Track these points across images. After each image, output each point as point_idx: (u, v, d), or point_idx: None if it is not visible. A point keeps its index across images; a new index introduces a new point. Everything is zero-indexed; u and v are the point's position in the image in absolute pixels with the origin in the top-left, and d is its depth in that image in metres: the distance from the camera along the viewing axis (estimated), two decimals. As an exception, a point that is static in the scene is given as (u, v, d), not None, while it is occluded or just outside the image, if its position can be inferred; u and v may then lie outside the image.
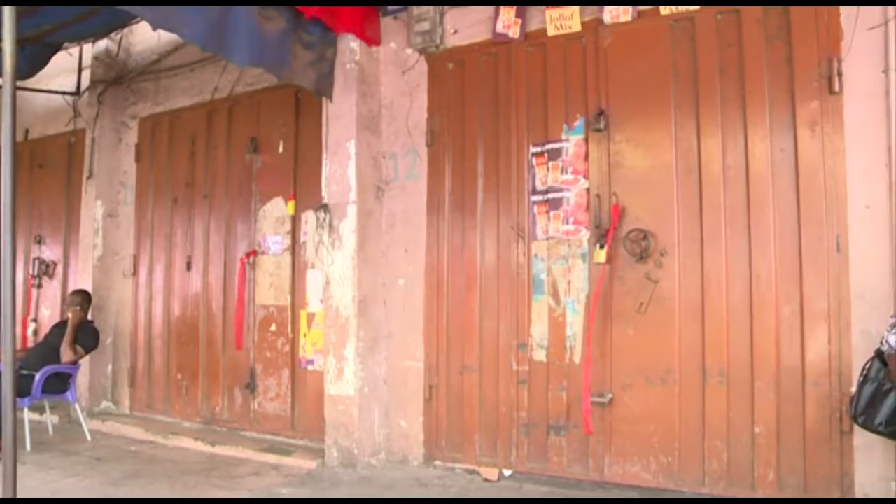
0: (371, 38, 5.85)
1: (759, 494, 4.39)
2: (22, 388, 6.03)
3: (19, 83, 3.56)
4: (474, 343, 5.41)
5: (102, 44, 7.88)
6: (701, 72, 4.71)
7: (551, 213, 5.14)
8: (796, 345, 4.35)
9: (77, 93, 8.15)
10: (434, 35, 5.68)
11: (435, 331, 5.58)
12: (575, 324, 5.02)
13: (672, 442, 4.65)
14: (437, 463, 5.51)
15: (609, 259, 4.84)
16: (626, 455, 4.79)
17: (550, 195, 5.16)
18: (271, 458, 5.96)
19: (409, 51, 5.84)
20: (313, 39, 5.58)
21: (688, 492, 4.58)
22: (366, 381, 5.58)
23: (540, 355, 5.14)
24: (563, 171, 5.11)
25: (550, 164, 5.17)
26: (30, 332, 8.51)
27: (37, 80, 7.51)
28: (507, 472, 5.19)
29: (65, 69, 7.92)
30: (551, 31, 5.20)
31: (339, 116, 5.73)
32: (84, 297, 7.06)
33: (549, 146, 5.19)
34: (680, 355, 4.65)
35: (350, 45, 5.76)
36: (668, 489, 4.65)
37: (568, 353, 5.03)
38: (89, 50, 7.96)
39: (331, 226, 5.67)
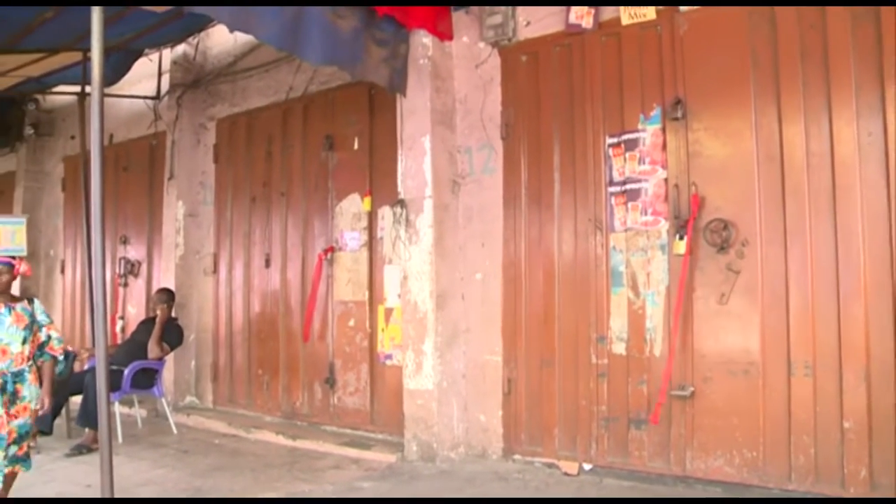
0: (443, 33, 5.93)
1: (851, 493, 4.27)
2: (112, 383, 6.31)
3: (104, 90, 3.78)
4: (553, 337, 5.46)
5: (180, 48, 8.20)
6: (781, 56, 4.63)
7: (629, 205, 5.14)
8: (888, 336, 4.24)
9: (157, 97, 8.51)
10: (506, 28, 5.73)
11: (513, 325, 5.65)
12: (655, 316, 5.02)
13: (756, 436, 4.60)
14: (517, 457, 5.57)
15: (689, 250, 4.82)
16: (709, 449, 4.76)
17: (628, 186, 5.16)
18: (351, 452, 6.11)
19: (481, 44, 5.91)
20: (386, 36, 5.69)
21: (774, 488, 4.52)
22: (444, 376, 5.68)
23: (619, 348, 5.15)
24: (641, 161, 5.11)
25: (627, 154, 5.17)
26: (118, 328, 8.90)
27: (120, 87, 7.88)
28: (587, 467, 5.22)
29: (145, 75, 8.26)
30: (625, 20, 5.18)
31: (414, 112, 5.85)
32: (169, 295, 7.38)
33: (625, 137, 5.19)
34: (763, 347, 4.61)
35: (422, 40, 5.86)
36: (753, 485, 4.60)
37: (648, 346, 5.03)
38: (168, 55, 8.31)
39: (407, 221, 5.79)
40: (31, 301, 4.64)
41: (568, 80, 5.50)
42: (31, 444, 6.31)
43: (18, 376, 4.41)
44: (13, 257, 4.78)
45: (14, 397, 4.38)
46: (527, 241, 5.63)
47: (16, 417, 4.38)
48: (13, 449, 4.38)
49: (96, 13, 3.70)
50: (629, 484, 4.98)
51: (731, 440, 4.68)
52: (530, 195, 5.63)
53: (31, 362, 4.49)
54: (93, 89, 3.75)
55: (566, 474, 5.24)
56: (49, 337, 4.62)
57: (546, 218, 5.55)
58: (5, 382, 4.35)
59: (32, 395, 4.47)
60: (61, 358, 4.72)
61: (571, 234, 5.42)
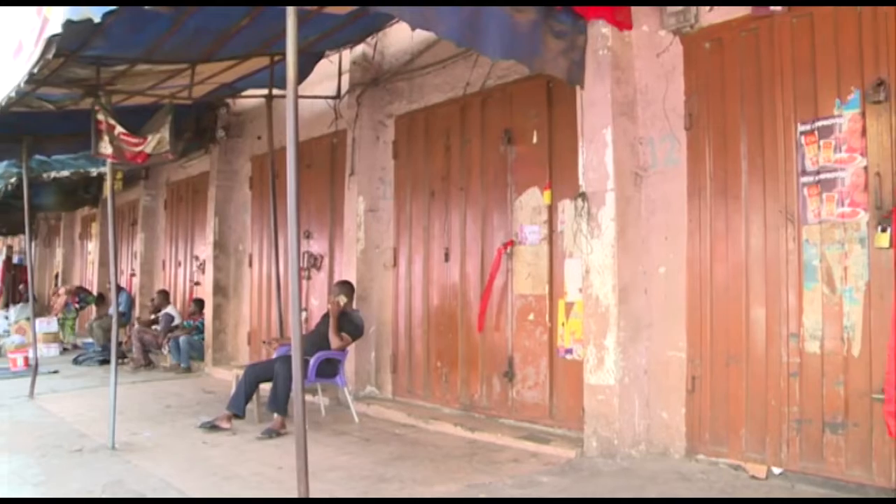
0: (622, 23, 5.92)
1: None
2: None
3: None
4: (740, 333, 5.37)
5: (359, 49, 8.60)
6: None
7: (824, 195, 4.97)
8: None
9: (338, 96, 8.98)
10: (688, 14, 5.68)
11: (698, 320, 5.59)
12: (853, 314, 4.82)
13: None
14: (700, 456, 5.51)
15: (894, 243, 4.59)
16: (921, 460, 4.50)
17: (822, 176, 4.99)
18: (530, 446, 6.22)
19: (662, 33, 5.88)
20: (564, 28, 5.77)
21: None
22: (626, 371, 5.71)
23: (813, 347, 4.99)
24: (837, 149, 4.92)
25: (821, 142, 4.99)
26: (301, 319, 9.43)
27: (302, 88, 8.30)
28: (776, 470, 5.08)
29: (326, 75, 8.74)
30: (820, -3, 4.98)
31: (594, 103, 5.89)
32: (344, 288, 7.77)
33: (819, 123, 5.01)
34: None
35: (601, 31, 5.88)
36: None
37: (845, 346, 4.84)
38: (347, 56, 8.75)
39: (589, 214, 5.84)
40: None
41: (755, 65, 5.37)
42: (226, 425, 6.89)
43: None
44: None
45: None
46: (712, 233, 5.56)
47: None
48: None
49: (291, 14, 4.01)
50: (825, 491, 4.80)
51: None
52: (716, 186, 5.55)
53: None
54: (288, 88, 4.07)
55: (753, 477, 5.13)
56: None
57: (733, 210, 5.45)
58: None
59: None
60: None
61: (760, 227, 5.30)
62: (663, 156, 5.83)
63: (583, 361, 5.93)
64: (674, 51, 5.82)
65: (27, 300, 13.91)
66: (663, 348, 5.77)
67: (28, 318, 12.58)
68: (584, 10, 5.77)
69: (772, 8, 5.21)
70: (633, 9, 5.96)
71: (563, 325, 6.52)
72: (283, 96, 8.01)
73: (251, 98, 9.79)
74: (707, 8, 5.59)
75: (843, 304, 4.87)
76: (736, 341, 5.38)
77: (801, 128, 5.10)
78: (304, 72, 7.98)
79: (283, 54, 6.02)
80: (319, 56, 8.24)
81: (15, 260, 19.68)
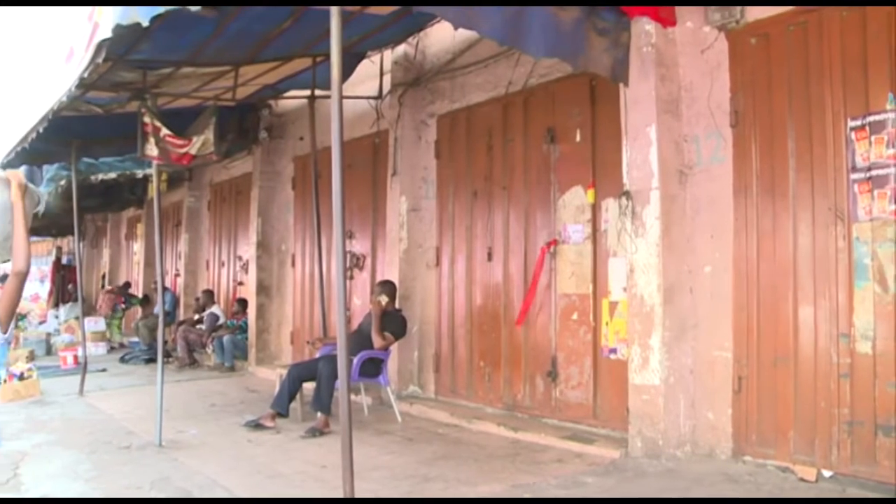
0: (666, 19, 5.88)
1: None
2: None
3: (329, 92, 4.15)
4: (788, 333, 5.30)
5: (401, 49, 8.65)
6: None
7: (875, 192, 4.88)
8: None
9: (380, 97, 9.02)
10: (733, 10, 5.61)
11: (745, 320, 5.53)
12: (907, 313, 4.73)
13: None
14: (747, 458, 5.45)
15: (949, 241, 4.50)
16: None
17: (874, 172, 4.89)
18: (573, 446, 6.20)
19: (706, 29, 5.82)
20: (607, 25, 5.75)
21: None
22: (671, 371, 5.67)
23: (865, 347, 4.90)
24: (889, 145, 4.83)
25: (873, 138, 4.90)
26: (345, 319, 9.51)
27: (344, 88, 8.33)
28: (826, 473, 5.00)
29: (368, 76, 8.78)
30: (872, -10, 4.90)
31: (638, 101, 5.86)
32: (386, 287, 7.80)
33: (870, 119, 4.92)
34: None
35: (645, 27, 5.85)
36: None
37: (900, 346, 4.75)
38: (389, 56, 8.79)
39: (633, 213, 5.82)
40: None
41: (803, 60, 5.29)
42: (270, 424, 6.95)
43: None
44: None
45: None
46: (759, 232, 5.49)
47: None
48: None
49: (335, 14, 4.04)
50: (878, 496, 4.70)
51: None
52: (763, 184, 5.48)
53: None
54: (333, 88, 4.11)
55: (802, 480, 5.05)
56: None
57: (780, 208, 5.38)
58: None
59: None
60: None
61: (808, 225, 5.23)
62: (708, 153, 5.77)
63: (627, 361, 5.90)
64: (719, 47, 5.76)
65: (76, 300, 14.20)
66: (709, 348, 5.71)
67: (77, 318, 12.87)
68: (628, 7, 5.73)
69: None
70: (677, 5, 5.90)
71: (606, 324, 6.49)
72: (326, 97, 8.16)
73: (293, 99, 9.89)
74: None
75: None
76: (784, 341, 5.31)
77: (851, 123, 5.01)
78: (346, 72, 7.99)
79: (326, 55, 6.10)
80: (361, 56, 8.30)
81: (64, 261, 20.12)
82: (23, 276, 3.27)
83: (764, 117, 5.49)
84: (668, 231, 5.73)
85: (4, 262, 3.71)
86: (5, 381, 8.80)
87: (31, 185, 3.69)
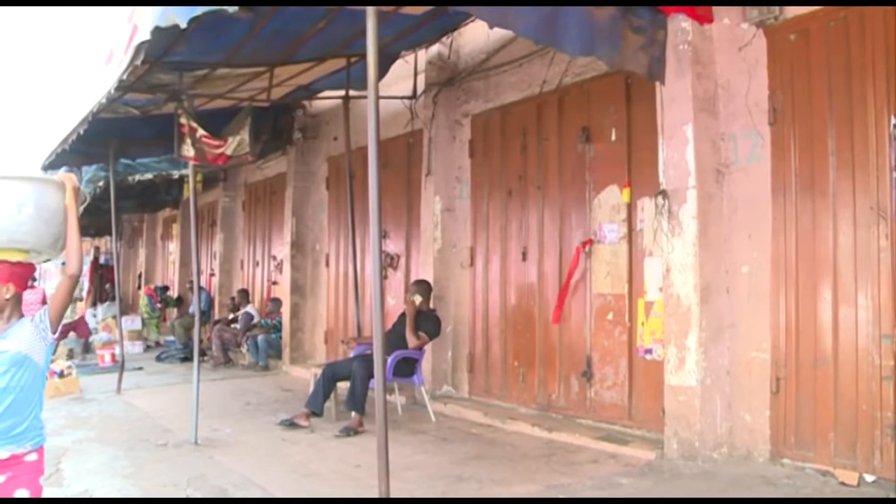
0: (702, 17, 5.83)
1: None
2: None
3: (365, 92, 4.16)
4: (827, 334, 5.23)
5: (434, 49, 8.68)
6: None
7: (920, 191, 4.79)
8: None
9: (414, 96, 9.06)
10: (772, 6, 5.53)
11: (783, 320, 5.47)
12: (953, 314, 4.64)
13: None
14: (785, 461, 5.39)
15: None
16: None
17: (918, 170, 4.81)
18: (608, 447, 6.18)
19: (744, 25, 5.76)
20: (643, 23, 5.70)
21: None
22: (708, 372, 5.62)
23: (908, 349, 4.82)
24: (935, 141, 4.74)
25: (917, 135, 4.82)
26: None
27: (379, 89, 8.41)
28: (868, 478, 4.92)
29: (402, 76, 8.82)
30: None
31: (674, 99, 5.82)
32: (421, 287, 7.83)
33: (914, 116, 4.84)
34: None
35: (681, 25, 5.81)
36: None
37: (944, 348, 4.66)
38: (423, 56, 8.82)
39: (669, 212, 5.78)
40: None
41: (845, 56, 5.21)
42: (304, 423, 6.99)
43: None
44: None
45: None
46: (798, 231, 5.42)
47: None
48: None
49: (371, 14, 4.06)
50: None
51: None
52: (802, 183, 5.41)
53: None
54: (369, 88, 4.14)
55: (843, 484, 4.98)
56: None
57: (820, 207, 5.31)
58: None
59: None
60: None
61: (849, 224, 5.15)
62: (746, 152, 5.71)
63: (663, 362, 5.87)
64: (756, 44, 5.70)
65: (113, 299, 14.41)
66: (746, 349, 5.66)
67: (114, 316, 13.06)
68: (664, 4, 5.69)
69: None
70: (714, 4, 5.85)
71: (642, 324, 6.45)
72: (360, 97, 8.20)
73: (328, 99, 9.95)
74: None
75: (941, 305, 4.70)
76: (823, 342, 5.24)
77: (894, 120, 4.93)
78: (380, 72, 8.02)
79: (360, 55, 6.12)
80: (395, 56, 8.33)
81: (102, 260, 20.47)
82: (75, 279, 3.31)
83: (803, 115, 5.42)
84: (705, 230, 5.69)
85: (45, 261, 3.77)
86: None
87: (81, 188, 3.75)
